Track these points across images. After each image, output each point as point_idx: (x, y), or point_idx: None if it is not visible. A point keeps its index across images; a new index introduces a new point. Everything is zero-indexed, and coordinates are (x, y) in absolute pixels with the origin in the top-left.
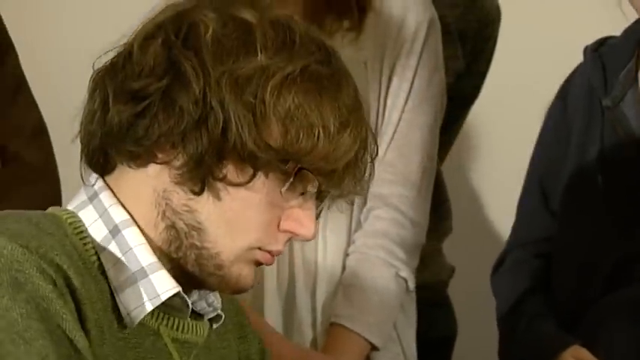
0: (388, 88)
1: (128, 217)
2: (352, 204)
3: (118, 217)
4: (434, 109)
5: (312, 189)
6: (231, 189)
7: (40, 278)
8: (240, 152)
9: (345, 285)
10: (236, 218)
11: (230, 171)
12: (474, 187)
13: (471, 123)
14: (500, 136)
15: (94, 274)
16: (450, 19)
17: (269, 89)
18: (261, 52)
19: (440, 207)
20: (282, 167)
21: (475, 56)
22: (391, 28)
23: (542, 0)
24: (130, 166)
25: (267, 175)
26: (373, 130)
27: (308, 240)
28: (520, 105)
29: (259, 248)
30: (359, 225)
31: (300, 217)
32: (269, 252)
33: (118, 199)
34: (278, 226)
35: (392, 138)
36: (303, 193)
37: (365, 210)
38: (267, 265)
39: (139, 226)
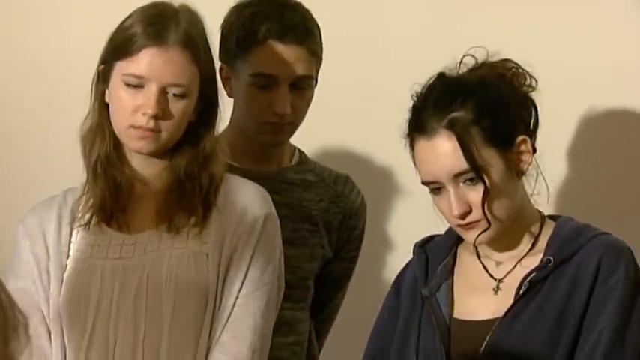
0: (225, 276)
1: None
2: None
3: None
4: (267, 294)
5: None
6: None
7: None
8: None
9: None
10: None
11: None
12: None
13: None
14: None
15: None
16: (315, 212)
17: None
18: None
19: None
20: None
21: (343, 243)
22: (230, 224)
23: None
24: None
25: None
26: (211, 314)
27: None
28: None
29: None
30: None
31: None
32: None
33: None
34: None
35: (226, 321)
36: None
37: None
38: None
39: None
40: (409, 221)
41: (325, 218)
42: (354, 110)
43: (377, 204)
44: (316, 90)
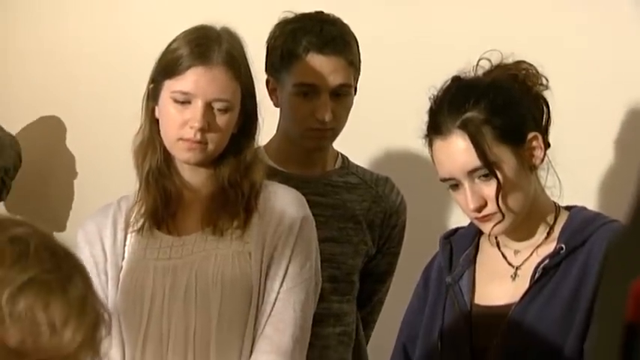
0: (267, 274)
1: None
2: None
3: None
4: (306, 290)
5: None
6: None
7: None
8: None
9: None
10: None
11: None
12: None
13: None
14: None
15: None
16: (358, 211)
17: (5, 297)
18: None
19: None
20: None
21: (385, 240)
22: (270, 226)
23: None
24: None
25: None
26: (255, 309)
27: None
28: None
29: None
30: None
31: None
32: None
33: None
34: None
35: (269, 315)
36: None
37: None
38: None
39: None
40: (453, 216)
41: (368, 217)
42: (394, 115)
43: (420, 199)
44: (357, 96)
